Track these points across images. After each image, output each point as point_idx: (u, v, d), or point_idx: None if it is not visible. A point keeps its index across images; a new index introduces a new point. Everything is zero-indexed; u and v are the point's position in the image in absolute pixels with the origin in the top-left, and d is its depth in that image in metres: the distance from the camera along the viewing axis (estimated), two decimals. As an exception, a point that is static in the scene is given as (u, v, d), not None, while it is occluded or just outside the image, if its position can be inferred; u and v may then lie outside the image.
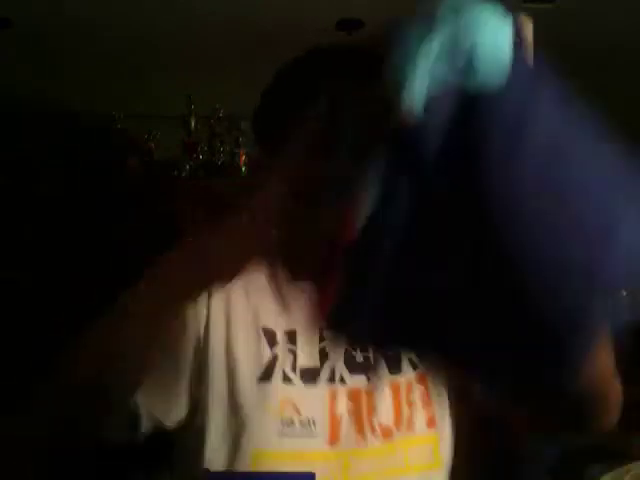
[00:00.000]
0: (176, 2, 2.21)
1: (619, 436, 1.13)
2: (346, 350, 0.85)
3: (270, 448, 0.78)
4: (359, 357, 0.84)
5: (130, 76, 2.73)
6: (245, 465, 0.77)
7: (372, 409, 0.83)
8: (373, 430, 0.82)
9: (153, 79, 2.67)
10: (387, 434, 0.82)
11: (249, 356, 0.80)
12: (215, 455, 0.78)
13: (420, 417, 0.84)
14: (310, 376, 0.82)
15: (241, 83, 2.49)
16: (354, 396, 0.83)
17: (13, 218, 2.47)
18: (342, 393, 0.82)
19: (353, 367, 0.84)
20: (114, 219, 2.41)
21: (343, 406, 0.82)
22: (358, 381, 0.83)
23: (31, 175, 2.58)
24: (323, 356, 0.84)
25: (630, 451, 1.60)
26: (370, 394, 0.84)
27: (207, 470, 0.75)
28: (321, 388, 0.82)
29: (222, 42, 2.51)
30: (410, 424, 0.84)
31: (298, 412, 0.80)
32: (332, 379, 0.82)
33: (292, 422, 0.79)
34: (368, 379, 0.84)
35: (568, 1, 2.23)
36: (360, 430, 0.82)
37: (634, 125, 2.93)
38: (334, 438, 0.80)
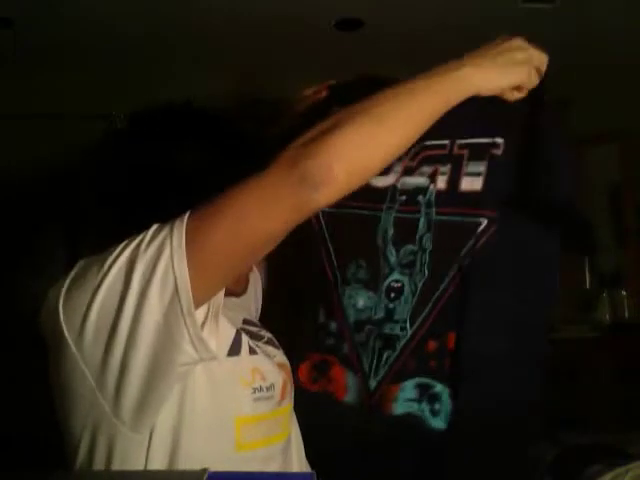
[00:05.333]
0: (176, 2, 2.21)
1: (619, 436, 1.13)
2: (258, 334, 1.04)
3: (248, 414, 0.90)
4: (267, 337, 1.05)
5: (130, 76, 2.73)
6: (231, 431, 0.88)
7: (288, 374, 1.02)
8: (290, 389, 1.00)
9: (153, 78, 2.67)
10: (290, 392, 1.00)
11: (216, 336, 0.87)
12: (194, 430, 0.85)
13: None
14: (261, 349, 0.98)
15: (241, 83, 2.50)
16: (281, 365, 1.00)
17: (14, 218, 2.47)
18: (275, 363, 0.99)
19: (274, 345, 1.04)
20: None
21: (281, 373, 0.99)
22: (278, 354, 1.03)
23: (31, 176, 2.58)
24: (259, 337, 1.02)
25: (630, 451, 1.60)
26: (284, 364, 1.02)
27: (206, 470, 0.75)
28: (270, 359, 0.98)
29: (222, 42, 2.51)
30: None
31: (264, 379, 0.93)
32: (268, 354, 0.99)
33: (260, 388, 0.92)
34: (274, 355, 1.02)
35: (568, 1, 2.23)
36: (289, 390, 0.99)
37: (634, 125, 2.90)
38: (282, 398, 0.96)
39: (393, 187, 1.04)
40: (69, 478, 0.83)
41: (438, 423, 0.97)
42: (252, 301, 1.19)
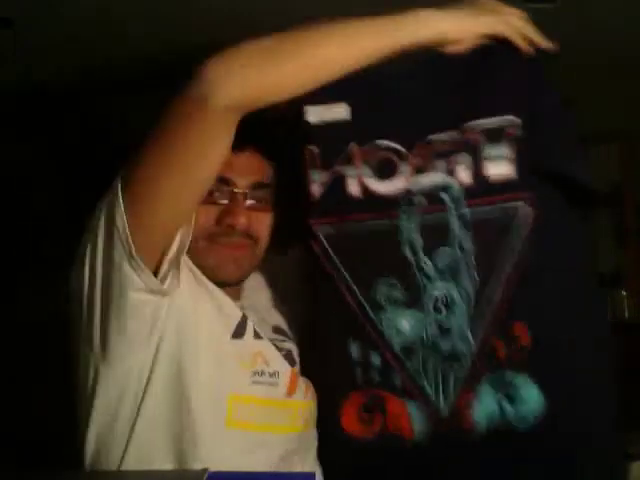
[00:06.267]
0: (176, 2, 2.21)
1: (619, 435, 1.12)
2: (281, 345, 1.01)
3: (243, 393, 0.91)
4: (286, 349, 1.02)
5: (130, 76, 2.73)
6: (223, 406, 0.89)
7: (299, 369, 1.00)
8: (303, 385, 0.98)
9: (153, 78, 2.67)
10: (308, 390, 0.99)
11: (219, 315, 0.92)
12: (197, 399, 0.87)
13: None
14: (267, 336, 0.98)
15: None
16: (289, 358, 0.99)
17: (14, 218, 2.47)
18: (282, 355, 0.98)
19: (289, 360, 1.00)
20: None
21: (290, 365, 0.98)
22: (287, 346, 1.02)
23: (30, 176, 2.58)
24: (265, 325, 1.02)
25: (630, 451, 1.59)
26: (293, 357, 1.01)
27: (206, 470, 0.76)
28: (277, 351, 0.97)
29: (221, 41, 2.51)
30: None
31: (266, 364, 0.93)
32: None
33: (262, 372, 0.92)
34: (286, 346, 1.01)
35: (568, 1, 2.23)
36: (300, 386, 0.97)
37: (634, 125, 2.90)
38: (290, 391, 0.95)
39: (406, 191, 0.94)
40: (74, 478, 0.83)
41: (526, 415, 0.91)
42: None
